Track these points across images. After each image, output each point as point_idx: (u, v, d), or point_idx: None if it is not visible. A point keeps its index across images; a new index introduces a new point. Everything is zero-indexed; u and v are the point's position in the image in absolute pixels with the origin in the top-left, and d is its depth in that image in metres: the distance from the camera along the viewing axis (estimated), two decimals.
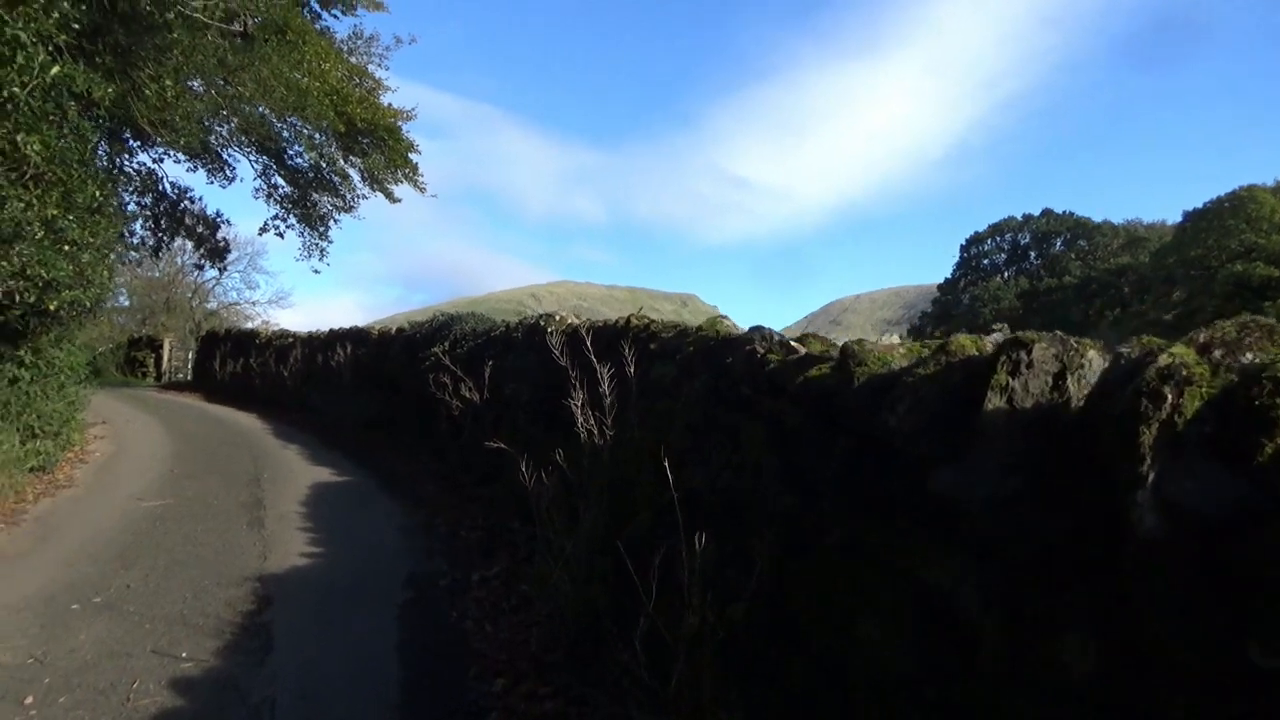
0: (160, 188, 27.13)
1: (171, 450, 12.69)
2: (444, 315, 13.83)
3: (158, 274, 47.65)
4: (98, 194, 10.53)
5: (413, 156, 22.11)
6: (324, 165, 24.37)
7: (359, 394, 16.55)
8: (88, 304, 11.12)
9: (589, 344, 6.81)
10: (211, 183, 26.06)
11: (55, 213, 9.22)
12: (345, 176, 24.24)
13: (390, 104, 21.44)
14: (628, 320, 7.81)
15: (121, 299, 50.23)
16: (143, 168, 27.10)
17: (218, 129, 23.81)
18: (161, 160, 26.38)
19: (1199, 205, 57.37)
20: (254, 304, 49.89)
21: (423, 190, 22.84)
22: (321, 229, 26.09)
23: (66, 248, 9.88)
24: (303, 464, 11.90)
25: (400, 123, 21.45)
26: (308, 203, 25.61)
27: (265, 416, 18.36)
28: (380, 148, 21.70)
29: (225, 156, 25.95)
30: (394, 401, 14.51)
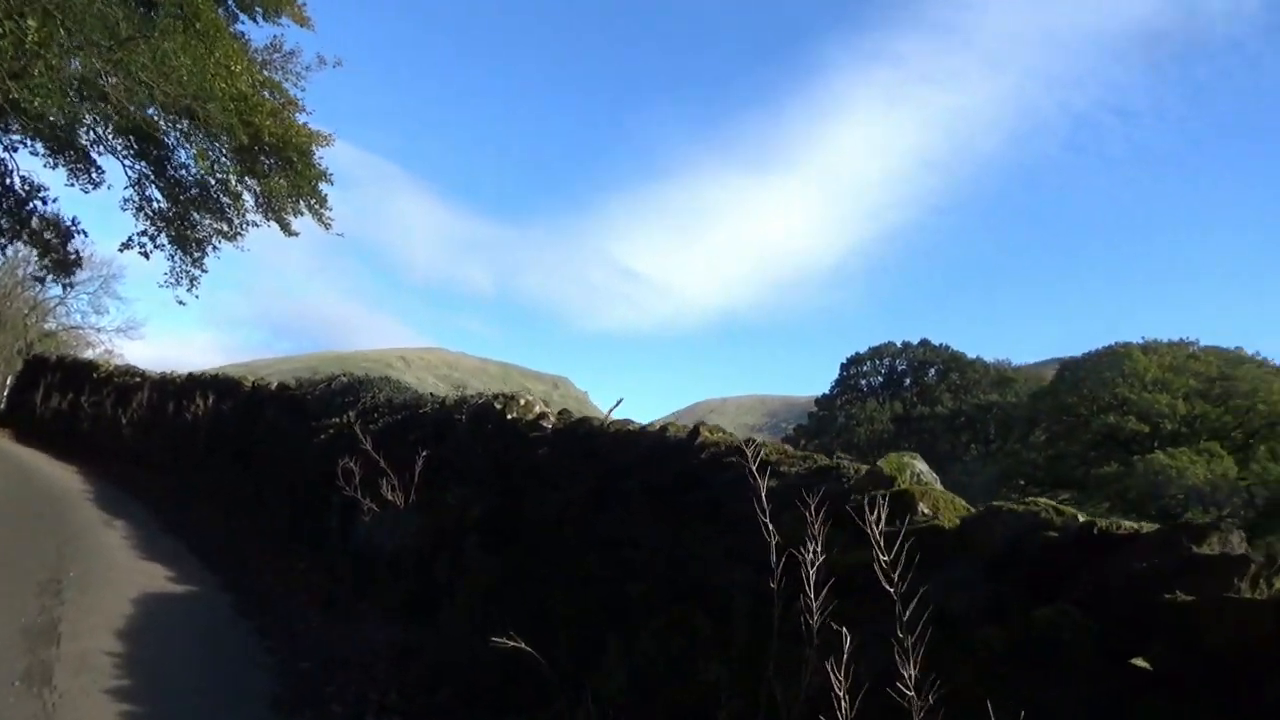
0: (8, 181, 23.14)
1: None
2: (348, 376, 11.06)
3: None
4: None
5: (323, 187, 19.26)
6: (214, 182, 21.13)
7: (216, 458, 13.30)
8: None
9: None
10: (72, 184, 22.03)
11: None
12: (237, 198, 21.06)
13: (306, 124, 18.67)
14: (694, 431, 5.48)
15: None
16: None
17: (89, 119, 20.37)
18: (15, 149, 22.53)
19: (1071, 354, 60.22)
20: (99, 330, 44.38)
21: (328, 226, 19.90)
22: (197, 255, 22.57)
23: None
24: (129, 555, 8.74)
25: (315, 146, 18.65)
26: (186, 223, 22.15)
27: (90, 473, 14.71)
28: (286, 171, 18.74)
29: (93, 155, 22.32)
30: (264, 477, 11.44)
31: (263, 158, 18.55)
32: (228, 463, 13.00)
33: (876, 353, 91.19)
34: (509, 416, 7.31)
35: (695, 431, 4.84)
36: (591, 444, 5.76)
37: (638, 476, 4.92)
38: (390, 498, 6.98)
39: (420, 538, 7.01)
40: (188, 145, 19.15)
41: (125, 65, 11.32)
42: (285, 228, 20.66)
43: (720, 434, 4.82)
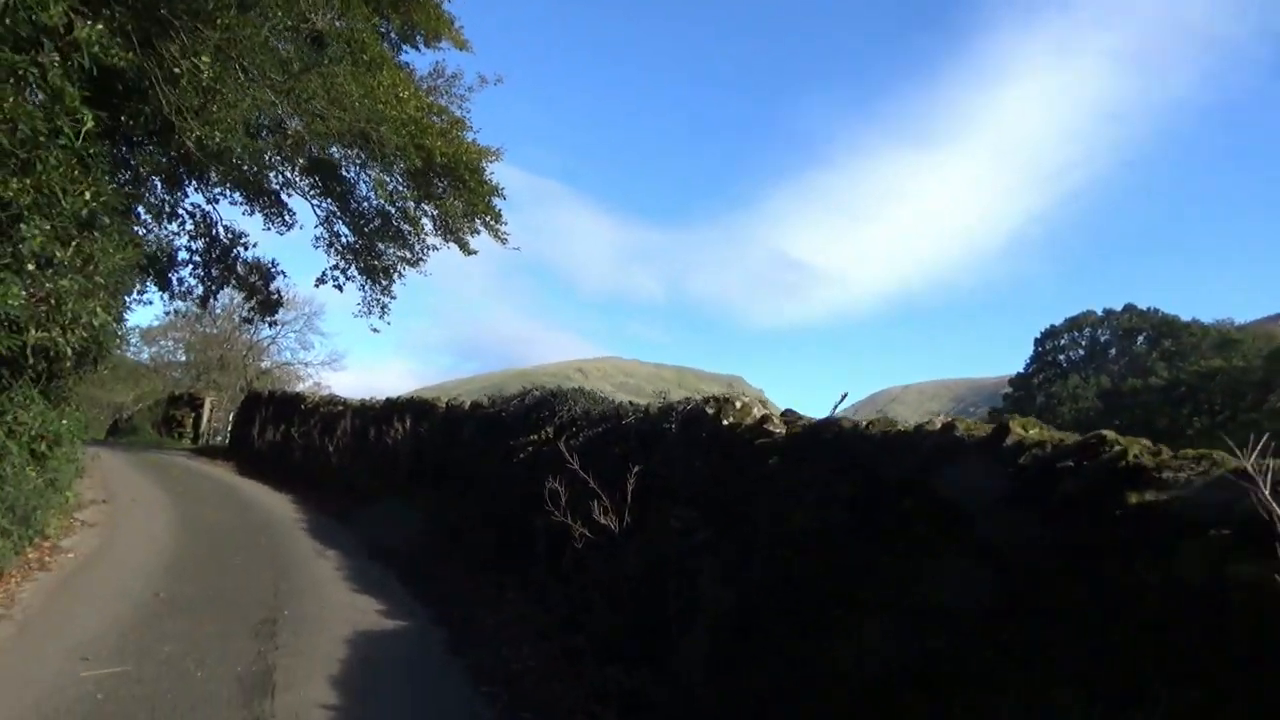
0: (214, 231, 24.84)
1: (172, 554, 9.45)
2: (540, 389, 10.56)
3: (215, 330, 46.23)
4: (92, 199, 7.54)
5: (496, 202, 19.25)
6: (393, 210, 21.71)
7: (417, 482, 13.26)
8: (68, 351, 8.08)
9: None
10: (269, 229, 23.39)
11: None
12: (416, 224, 21.52)
13: (474, 140, 18.68)
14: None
15: (179, 355, 48.89)
16: (196, 209, 24.96)
17: (271, 157, 21.40)
18: (216, 200, 24.10)
19: None
20: (307, 365, 47.75)
21: (504, 241, 19.89)
22: (385, 283, 23.33)
23: (30, 266, 6.85)
24: (341, 588, 8.53)
25: (485, 162, 18.67)
26: (372, 253, 22.93)
27: (303, 501, 15.16)
28: (460, 190, 18.86)
29: (284, 198, 23.57)
30: (465, 499, 11.16)
31: (436, 180, 18.75)
32: (428, 485, 12.90)
33: (1074, 324, 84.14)
34: (725, 422, 6.40)
35: (1002, 430, 3.65)
36: (846, 450, 4.71)
37: (920, 491, 3.82)
38: (603, 521, 6.25)
39: (639, 565, 6.22)
40: (366, 175, 19.75)
41: (298, 96, 11.40)
42: (464, 247, 20.89)
43: (1039, 429, 3.61)
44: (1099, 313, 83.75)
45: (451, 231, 20.81)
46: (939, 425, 4.09)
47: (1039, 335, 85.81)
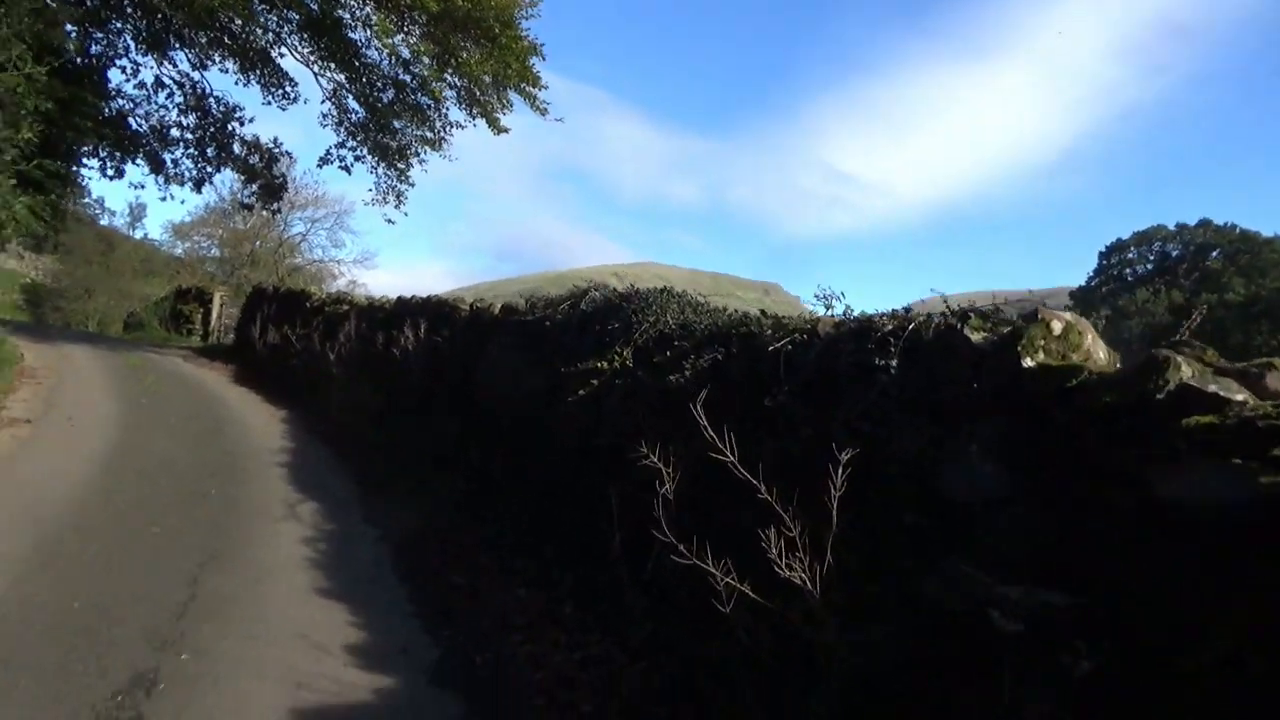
0: (206, 104, 21.50)
1: (59, 519, 6.43)
2: (603, 289, 7.39)
3: (245, 226, 44.05)
4: None
5: (534, 63, 15.62)
6: (409, 80, 18.17)
7: (434, 409, 10.29)
8: None
9: None
10: (268, 102, 19.83)
11: None
12: (436, 95, 18.03)
13: None
14: None
15: (212, 250, 46.80)
16: (185, 79, 21.56)
17: (261, 10, 17.90)
18: (205, 67, 20.73)
19: None
20: (339, 262, 45.36)
21: (543, 111, 16.30)
22: (401, 166, 19.97)
23: None
24: (301, 586, 5.55)
25: (519, 13, 15.00)
26: (385, 131, 19.52)
27: (297, 420, 12.34)
28: (488, 50, 15.23)
29: (281, 65, 20.01)
30: (496, 440, 8.18)
31: (459, 38, 15.14)
32: (445, 414, 9.91)
33: (1143, 238, 79.43)
34: (1028, 363, 3.29)
35: None
36: None
37: None
38: (781, 561, 3.19)
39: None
40: (370, 31, 16.22)
41: None
42: (494, 123, 17.40)
43: None
44: (1170, 227, 79.00)
45: (478, 103, 17.30)
46: None
47: (1104, 249, 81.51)
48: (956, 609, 3.06)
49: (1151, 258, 79.81)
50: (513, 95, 17.06)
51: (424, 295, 12.79)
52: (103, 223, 73.63)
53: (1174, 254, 79.37)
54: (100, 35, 18.55)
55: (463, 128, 18.39)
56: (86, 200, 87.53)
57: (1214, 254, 76.31)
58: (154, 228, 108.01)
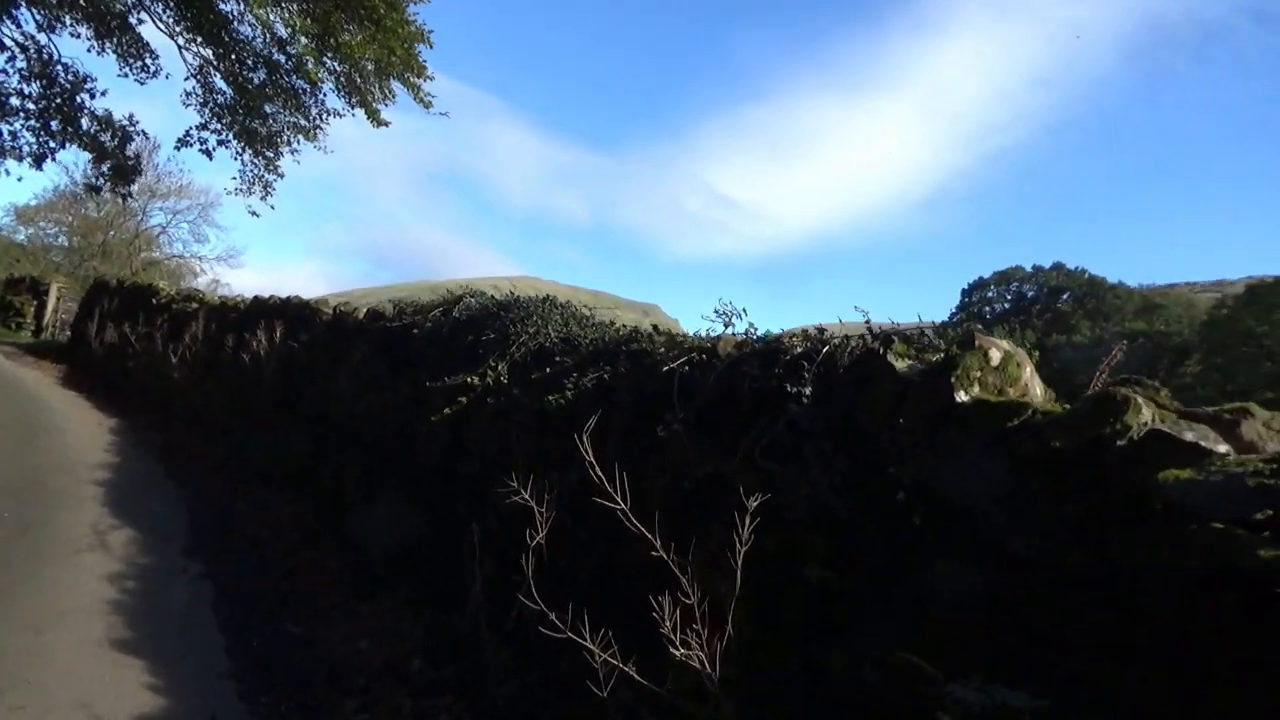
0: (51, 71, 19.40)
1: None
2: (479, 296, 6.61)
3: (98, 214, 40.37)
4: None
5: (421, 50, 14.62)
6: (284, 61, 16.84)
7: (286, 419, 9.24)
8: None
9: None
10: (125, 74, 17.86)
11: None
12: (314, 83, 16.76)
13: None
14: None
15: (60, 238, 42.79)
16: (29, 40, 19.42)
17: None
18: (53, 28, 18.71)
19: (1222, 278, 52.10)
20: (201, 258, 42.33)
21: (428, 104, 15.30)
22: (269, 155, 18.48)
23: None
24: (89, 651, 4.58)
25: None
26: (254, 114, 18.06)
27: (127, 432, 10.95)
28: (371, 30, 14.15)
29: (140, 31, 18.26)
30: (353, 456, 7.27)
31: (340, 15, 14.01)
32: (301, 429, 8.89)
33: (1003, 277, 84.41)
34: (961, 397, 2.80)
35: None
36: None
37: None
38: (678, 638, 2.58)
39: None
40: (244, 1, 14.85)
41: None
42: (373, 115, 16.27)
43: None
44: (1027, 269, 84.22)
45: (358, 91, 16.15)
46: None
47: (966, 287, 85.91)
48: (890, 701, 2.51)
49: (1009, 297, 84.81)
50: (396, 86, 16.01)
51: (283, 296, 11.65)
52: None
53: (1030, 294, 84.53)
54: None
55: (340, 116, 17.15)
56: None
57: (1065, 296, 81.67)
58: None
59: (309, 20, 13.71)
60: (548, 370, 4.90)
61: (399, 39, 14.07)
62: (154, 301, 15.90)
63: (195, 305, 13.77)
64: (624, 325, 5.46)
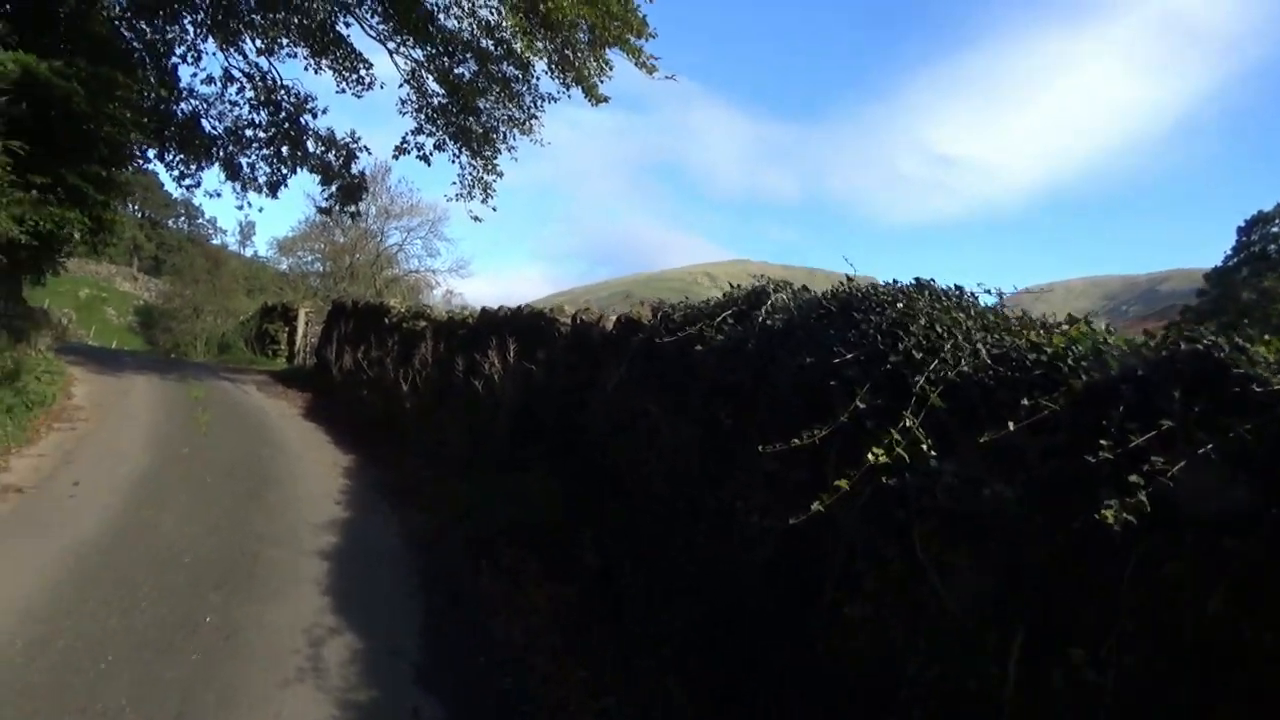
0: (276, 97, 19.41)
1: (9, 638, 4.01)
2: (786, 293, 4.35)
3: (343, 239, 43.22)
4: None
5: (640, 5, 12.65)
6: (492, 48, 15.51)
7: (527, 462, 7.49)
8: None
9: None
10: (342, 89, 17.21)
11: None
12: (524, 64, 15.33)
13: None
14: None
15: (314, 264, 46.31)
16: (255, 69, 19.54)
17: None
18: (272, 51, 18.60)
19: None
20: (435, 272, 44.00)
21: (652, 70, 13.35)
22: (487, 154, 17.29)
23: None
24: None
25: None
26: (468, 111, 16.94)
27: (366, 471, 9.80)
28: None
29: (351, 42, 17.67)
30: (626, 527, 5.29)
31: None
32: (546, 467, 7.10)
33: None
34: None
35: None
36: None
37: None
38: None
39: None
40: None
41: None
42: (591, 92, 14.53)
43: None
44: None
45: (572, 68, 14.45)
46: None
47: (1243, 223, 73.99)
48: None
49: None
50: (614, 55, 14.20)
51: (513, 306, 10.03)
52: (214, 241, 75.14)
53: None
54: (149, 23, 16.66)
55: (555, 100, 15.67)
56: (200, 221, 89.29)
57: None
58: (262, 245, 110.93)
59: (519, 8, 12.01)
60: (967, 402, 2.53)
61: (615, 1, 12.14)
62: (386, 321, 15.11)
63: (424, 324, 12.60)
64: (1092, 325, 2.95)
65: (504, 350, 8.74)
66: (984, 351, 2.88)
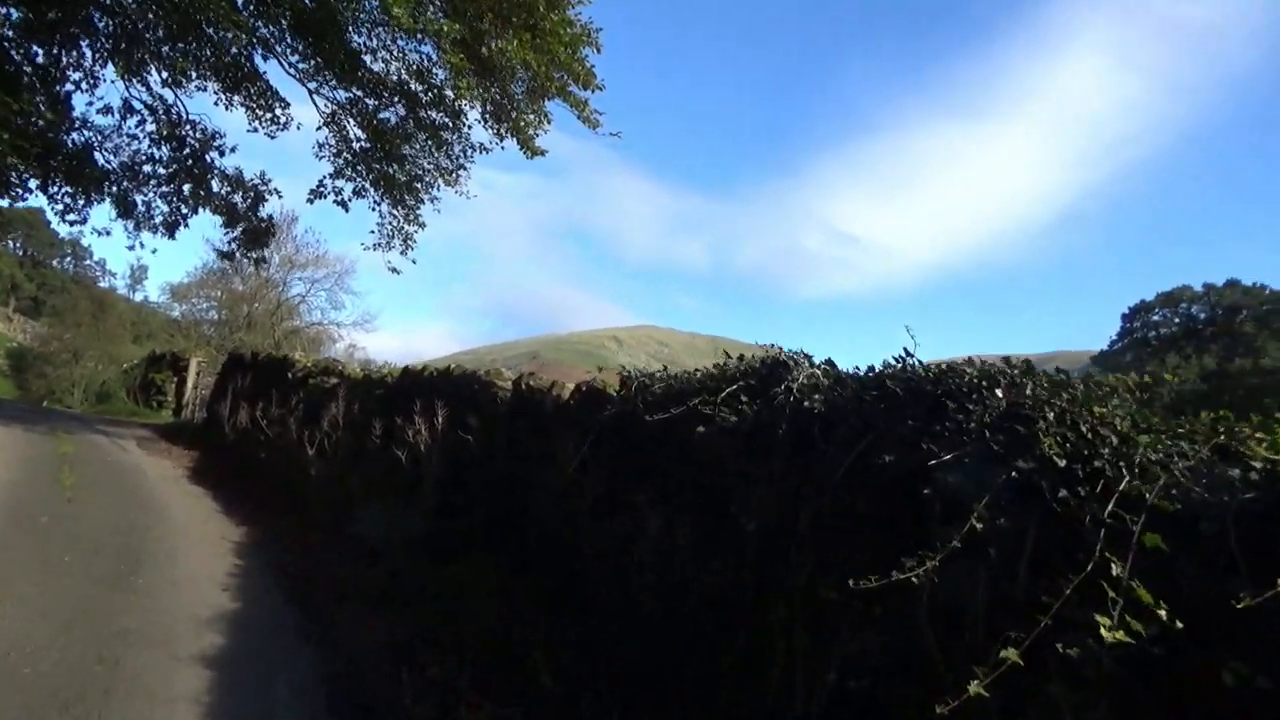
0: (180, 132, 18.01)
1: None
2: (817, 370, 3.63)
3: (243, 287, 40.93)
4: None
5: (587, 55, 12.01)
6: (421, 92, 14.64)
7: (458, 550, 6.46)
8: None
9: None
10: (254, 128, 15.86)
11: None
12: (456, 115, 14.51)
13: None
14: None
15: (210, 312, 43.66)
16: (158, 101, 18.11)
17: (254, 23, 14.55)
18: (180, 83, 17.27)
19: None
20: (338, 325, 42.16)
21: (595, 124, 12.72)
22: (410, 203, 16.34)
23: None
24: None
25: None
26: (394, 159, 15.97)
27: (260, 549, 8.48)
28: (527, 35, 11.59)
29: (267, 78, 16.54)
30: (597, 637, 4.36)
31: (489, 17, 11.48)
32: (487, 558, 6.08)
33: (1169, 299, 77.18)
34: None
35: None
36: None
37: None
38: None
39: None
40: (381, 40, 12.72)
41: None
42: (528, 144, 13.79)
43: None
44: (1197, 288, 76.93)
45: (509, 118, 13.72)
46: None
47: (1127, 311, 79.00)
48: None
49: (1177, 320, 77.50)
50: (553, 107, 13.53)
51: (440, 365, 9.02)
52: (102, 284, 70.66)
53: (1201, 315, 76.85)
54: (43, 45, 15.23)
55: (488, 150, 14.83)
56: (88, 262, 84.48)
57: (1243, 315, 73.98)
58: (154, 290, 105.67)
59: (455, 24, 11.25)
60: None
61: (560, 42, 11.52)
62: (290, 376, 13.76)
63: (335, 380, 11.39)
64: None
65: (431, 415, 7.71)
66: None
